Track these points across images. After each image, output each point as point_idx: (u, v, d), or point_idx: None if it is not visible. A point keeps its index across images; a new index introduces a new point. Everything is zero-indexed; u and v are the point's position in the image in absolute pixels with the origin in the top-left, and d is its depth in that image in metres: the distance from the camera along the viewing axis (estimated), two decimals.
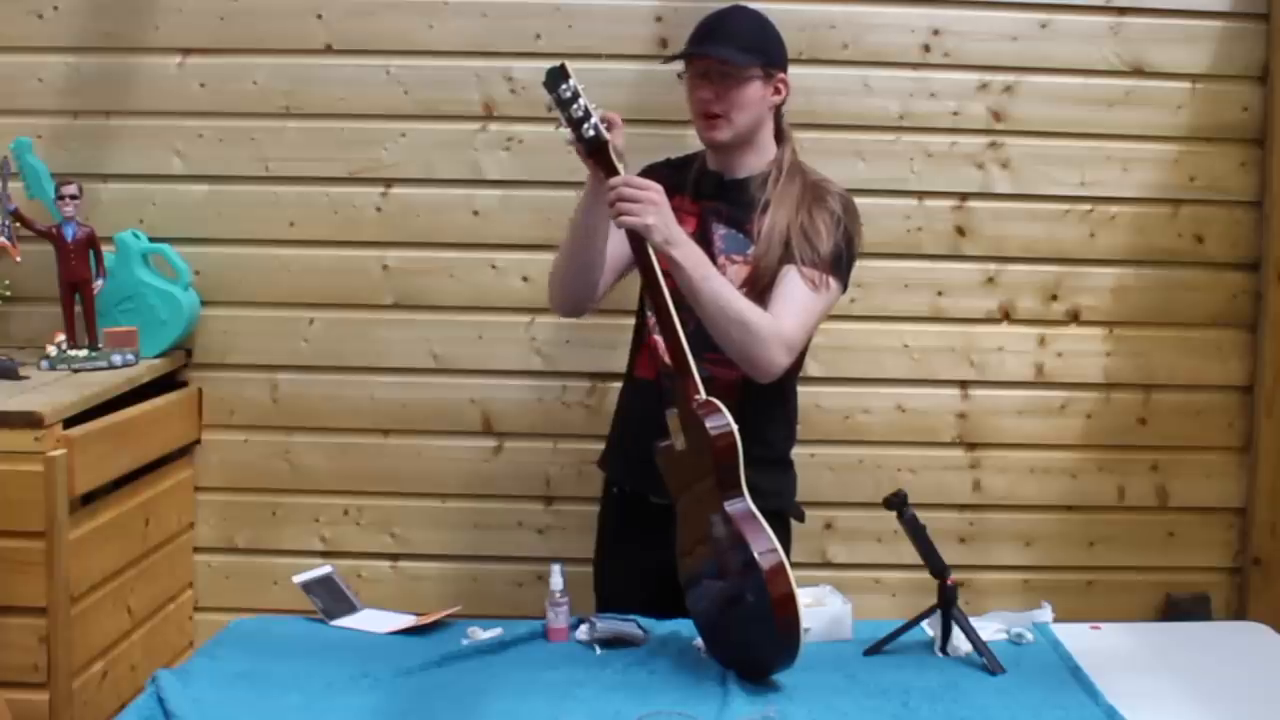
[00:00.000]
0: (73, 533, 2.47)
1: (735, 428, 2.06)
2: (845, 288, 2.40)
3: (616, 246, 2.36)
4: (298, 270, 3.08)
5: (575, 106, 2.14)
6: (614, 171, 2.17)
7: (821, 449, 3.03)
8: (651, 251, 2.15)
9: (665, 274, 2.17)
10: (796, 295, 2.29)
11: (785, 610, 1.99)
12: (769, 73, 2.35)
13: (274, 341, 3.10)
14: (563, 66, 2.15)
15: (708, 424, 2.07)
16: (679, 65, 2.38)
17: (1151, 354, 3.09)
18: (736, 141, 2.37)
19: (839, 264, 2.34)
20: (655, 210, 2.14)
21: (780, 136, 2.44)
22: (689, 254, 2.19)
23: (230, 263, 3.08)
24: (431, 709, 1.96)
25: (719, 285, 2.21)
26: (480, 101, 3.05)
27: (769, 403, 2.39)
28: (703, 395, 2.10)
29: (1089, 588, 3.12)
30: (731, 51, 2.32)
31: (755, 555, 2.00)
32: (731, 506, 2.06)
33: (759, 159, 2.41)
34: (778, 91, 2.39)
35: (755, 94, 2.34)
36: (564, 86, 2.13)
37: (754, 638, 2.03)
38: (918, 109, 3.03)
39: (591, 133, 2.15)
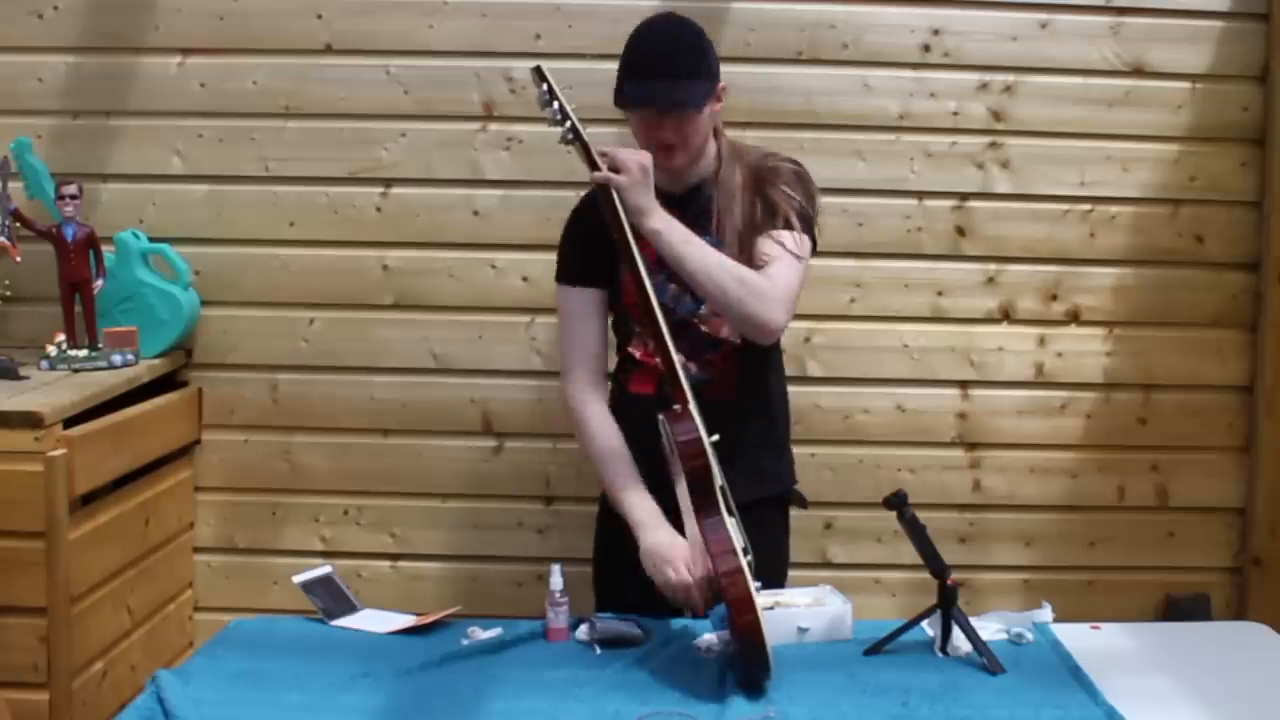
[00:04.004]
0: (73, 533, 2.47)
1: (704, 435, 2.06)
2: (815, 245, 2.39)
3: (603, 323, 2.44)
4: (298, 270, 3.09)
5: (551, 109, 2.14)
6: (593, 166, 2.17)
7: (821, 449, 3.03)
8: (638, 257, 2.14)
9: (654, 271, 2.17)
10: (777, 256, 2.30)
11: (744, 619, 1.97)
12: (714, 89, 2.34)
13: (274, 341, 3.10)
14: (537, 68, 2.14)
15: (674, 430, 2.07)
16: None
17: (1151, 354, 3.09)
18: (692, 161, 2.36)
19: (806, 221, 2.35)
20: (632, 180, 2.15)
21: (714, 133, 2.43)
22: (666, 222, 2.20)
23: (230, 263, 3.08)
24: (431, 709, 1.96)
25: (700, 249, 2.21)
26: (480, 101, 3.05)
27: (768, 371, 2.41)
28: (680, 407, 2.10)
29: (1089, 588, 3.12)
30: (688, 92, 2.26)
31: (716, 566, 2.00)
32: (705, 519, 2.04)
33: (704, 163, 2.39)
34: (719, 99, 2.37)
35: (707, 115, 2.33)
36: (542, 90, 2.14)
37: (736, 651, 2.03)
38: (918, 109, 3.03)
39: (569, 136, 2.15)
